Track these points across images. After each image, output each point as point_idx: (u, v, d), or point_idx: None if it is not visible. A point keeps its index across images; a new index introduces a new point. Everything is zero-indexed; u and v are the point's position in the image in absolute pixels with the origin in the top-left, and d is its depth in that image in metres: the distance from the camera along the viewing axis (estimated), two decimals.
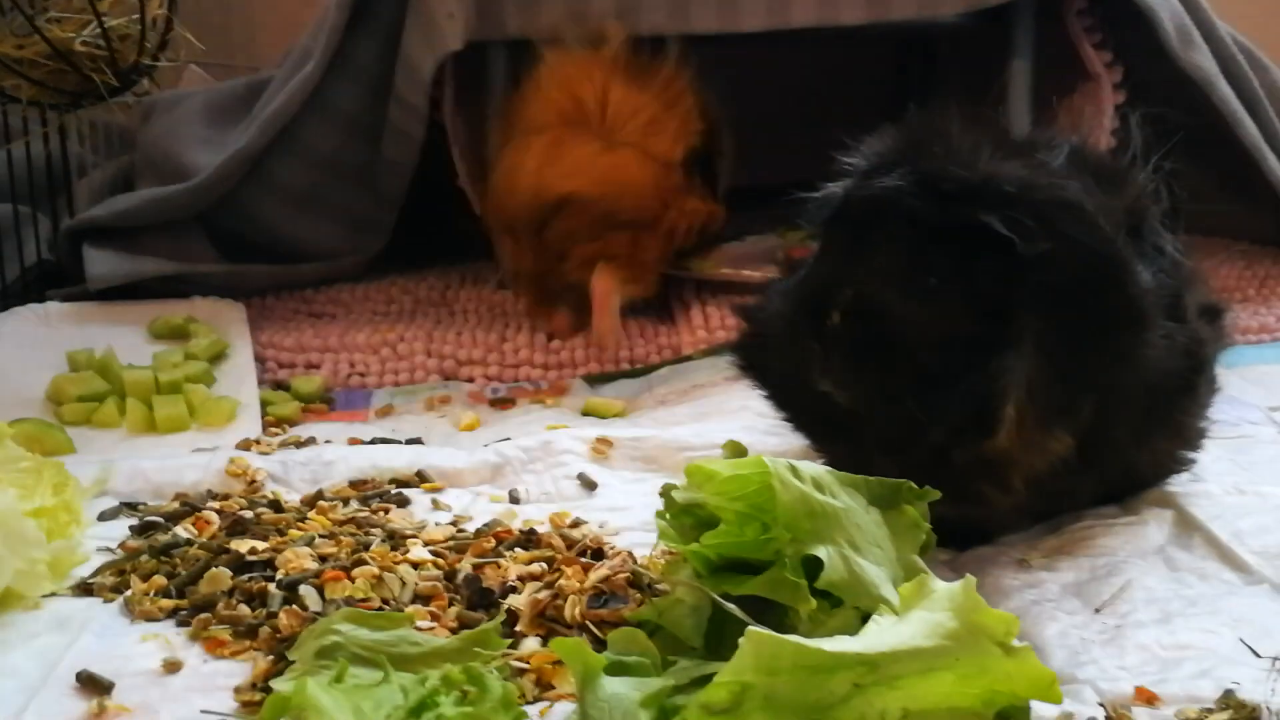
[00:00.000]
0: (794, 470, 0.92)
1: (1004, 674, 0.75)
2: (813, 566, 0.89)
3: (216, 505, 1.31)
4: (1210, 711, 0.88)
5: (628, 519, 1.29)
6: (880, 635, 0.76)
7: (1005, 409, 1.05)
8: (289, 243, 2.07)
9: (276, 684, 0.90)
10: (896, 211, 1.05)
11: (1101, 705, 0.91)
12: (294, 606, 1.06)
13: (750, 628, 0.75)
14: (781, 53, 2.47)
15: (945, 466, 1.06)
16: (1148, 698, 0.92)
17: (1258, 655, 0.98)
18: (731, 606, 0.87)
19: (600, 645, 0.96)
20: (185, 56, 2.10)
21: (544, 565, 1.12)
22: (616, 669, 0.82)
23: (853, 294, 1.05)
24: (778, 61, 2.44)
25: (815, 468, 0.95)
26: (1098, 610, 1.07)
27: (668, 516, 0.99)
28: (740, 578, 0.93)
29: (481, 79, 2.04)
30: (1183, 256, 1.22)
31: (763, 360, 1.19)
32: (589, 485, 1.39)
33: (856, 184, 1.09)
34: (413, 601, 1.08)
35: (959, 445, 1.06)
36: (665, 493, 1.01)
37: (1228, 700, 0.89)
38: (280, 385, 1.79)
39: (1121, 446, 1.18)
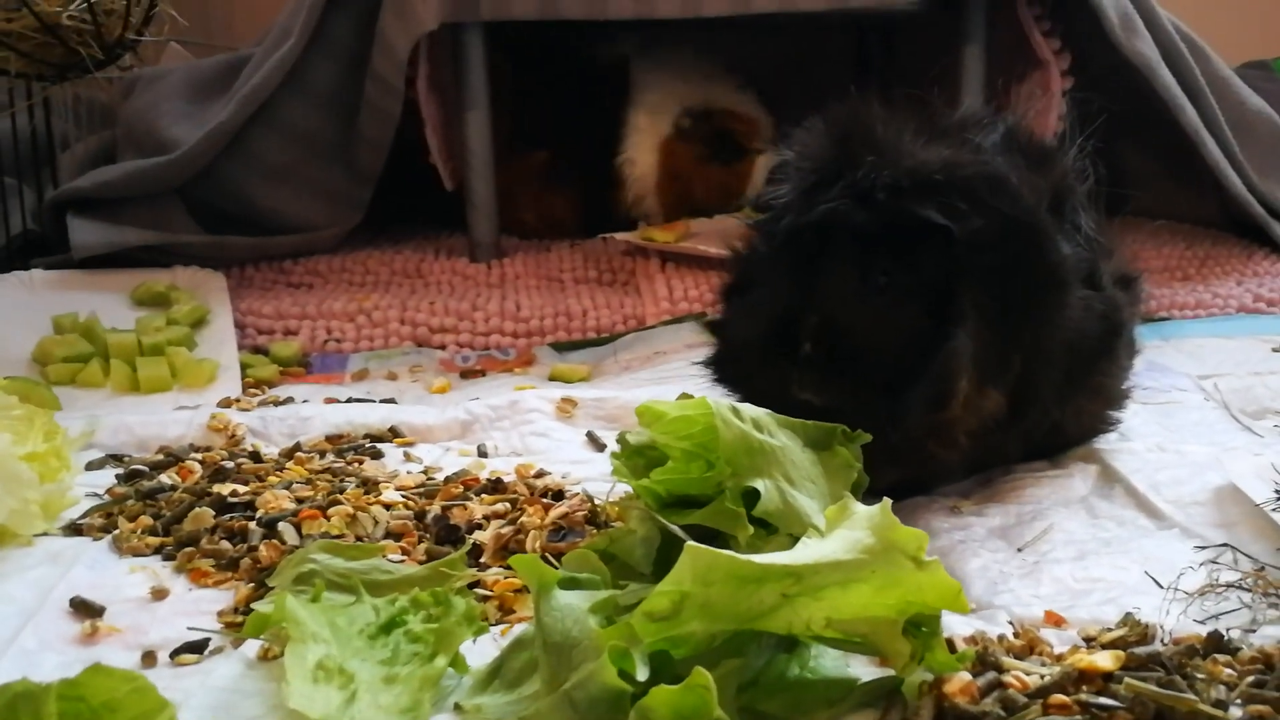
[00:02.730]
0: (735, 411, 1.01)
1: (915, 585, 0.84)
2: (751, 499, 0.98)
3: (199, 456, 1.39)
4: (1109, 630, 0.96)
5: (589, 470, 1.36)
6: (805, 550, 0.84)
7: (959, 384, 1.14)
8: (267, 215, 2.14)
9: (258, 606, 0.98)
10: (842, 231, 1.14)
11: (1011, 624, 1.00)
12: (273, 541, 1.13)
13: (689, 543, 0.83)
14: (744, 40, 2.56)
15: (904, 440, 1.14)
16: (1055, 620, 1.01)
17: (1160, 586, 1.06)
18: (675, 528, 0.96)
19: None
20: (168, 33, 2.16)
21: (508, 505, 1.20)
22: (569, 584, 0.90)
23: (818, 321, 1.13)
24: (740, 49, 2.51)
25: (755, 410, 1.03)
26: (1020, 550, 1.16)
27: (622, 457, 1.07)
28: (686, 511, 1.01)
29: (456, 59, 2.12)
30: (1096, 234, 1.31)
31: (736, 375, 1.25)
32: (599, 447, 1.45)
33: (800, 206, 1.16)
34: (384, 538, 1.16)
35: (918, 422, 1.15)
36: (621, 437, 1.09)
37: (1125, 621, 0.97)
38: (259, 350, 1.86)
39: (1046, 403, 1.27)
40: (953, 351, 1.12)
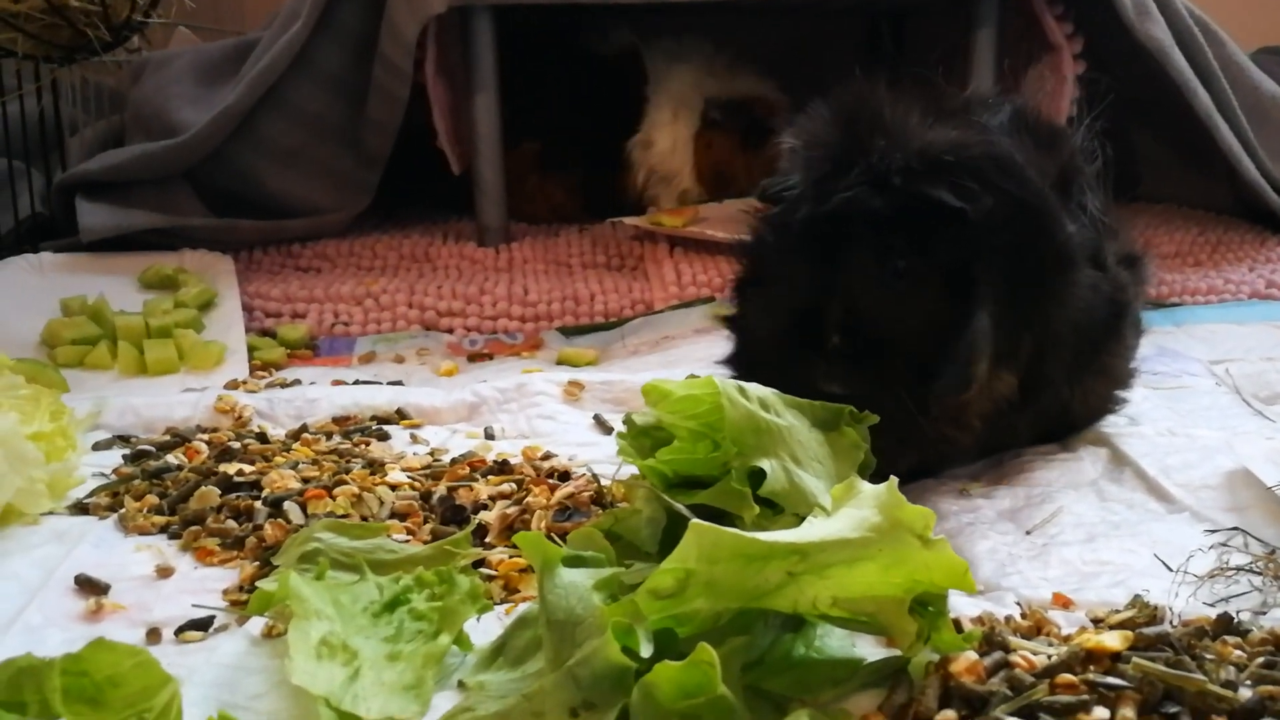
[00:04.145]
0: (742, 390, 1.00)
1: (922, 564, 0.83)
2: (757, 478, 0.97)
3: (205, 437, 1.38)
4: (1117, 612, 0.95)
5: (596, 453, 1.36)
6: (811, 529, 0.84)
7: (983, 365, 1.13)
8: (276, 199, 2.13)
9: (262, 584, 0.98)
10: (859, 219, 1.12)
11: (1019, 605, 0.99)
12: (279, 520, 1.13)
13: (694, 520, 0.82)
14: (755, 25, 2.54)
15: (925, 424, 1.13)
16: (1064, 602, 1.00)
17: (1170, 569, 1.06)
18: (680, 507, 0.95)
19: None
20: (176, 16, 2.16)
21: (514, 486, 1.20)
22: (574, 562, 0.90)
23: (843, 311, 1.11)
24: (751, 33, 2.51)
25: (762, 389, 1.03)
26: (1028, 532, 1.15)
27: (628, 437, 1.06)
28: (692, 491, 1.00)
29: (465, 42, 2.11)
30: (1102, 214, 1.29)
31: (758, 371, 1.19)
32: (606, 429, 1.44)
33: (814, 195, 1.14)
34: (390, 518, 1.16)
35: (945, 405, 1.14)
36: (627, 417, 1.08)
37: (1134, 603, 0.97)
38: (267, 333, 1.86)
39: (1055, 384, 1.26)
40: (977, 333, 1.11)
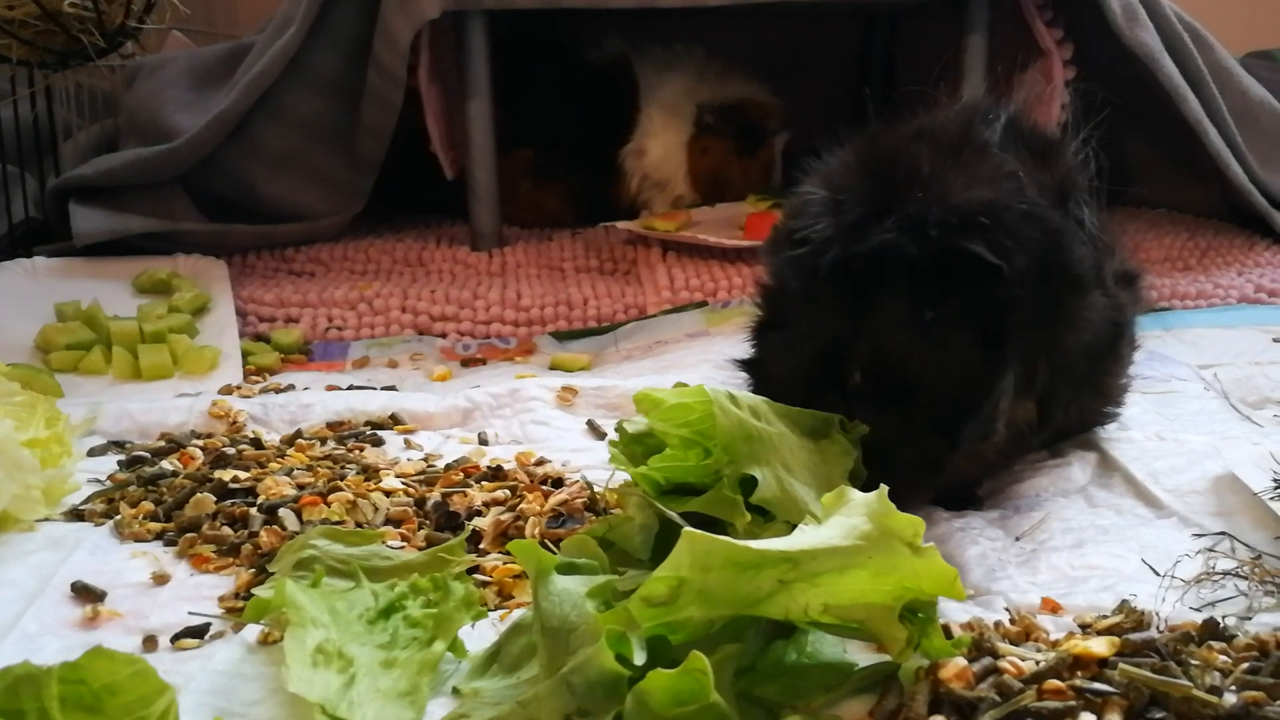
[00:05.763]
0: (733, 399, 1.01)
1: (912, 571, 0.84)
2: (749, 486, 0.98)
3: (200, 443, 1.39)
4: (1105, 617, 0.97)
5: (589, 459, 1.37)
6: (803, 536, 0.85)
7: (1002, 421, 1.12)
8: (269, 203, 2.14)
9: (258, 591, 0.99)
10: (893, 263, 1.09)
11: (1007, 610, 1.00)
12: (274, 527, 1.14)
13: (686, 528, 0.83)
14: (750, 28, 2.55)
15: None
16: (1052, 607, 1.01)
17: (1157, 574, 1.07)
18: (672, 514, 0.96)
19: None
20: (170, 21, 2.16)
21: (508, 492, 1.20)
22: (567, 569, 0.90)
23: (868, 349, 1.09)
24: (746, 37, 2.52)
25: (753, 397, 1.04)
26: (1018, 538, 1.16)
27: (620, 444, 1.07)
28: (684, 498, 1.01)
29: (459, 47, 2.12)
30: (1098, 229, 1.29)
31: None
32: (599, 435, 1.45)
33: (847, 238, 1.11)
34: (384, 524, 1.16)
35: (965, 452, 1.12)
36: (619, 425, 1.09)
37: (1122, 608, 0.98)
38: (260, 338, 1.86)
39: (1067, 403, 1.26)
40: (1005, 390, 1.10)
